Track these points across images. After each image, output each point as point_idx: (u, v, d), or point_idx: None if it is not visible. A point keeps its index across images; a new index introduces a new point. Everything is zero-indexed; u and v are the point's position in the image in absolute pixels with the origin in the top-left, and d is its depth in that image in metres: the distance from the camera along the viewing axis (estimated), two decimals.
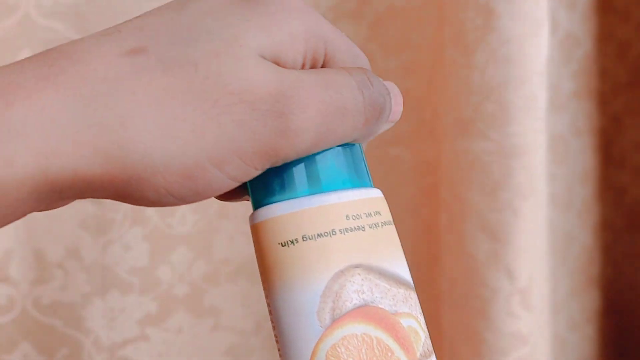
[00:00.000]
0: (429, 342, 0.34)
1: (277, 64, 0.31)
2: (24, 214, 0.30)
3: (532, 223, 0.64)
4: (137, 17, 0.32)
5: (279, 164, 0.32)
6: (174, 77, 0.30)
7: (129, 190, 0.30)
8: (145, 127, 0.29)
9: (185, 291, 0.68)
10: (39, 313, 0.64)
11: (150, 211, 0.66)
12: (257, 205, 0.34)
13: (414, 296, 0.34)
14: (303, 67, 0.33)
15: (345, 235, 0.32)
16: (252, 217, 0.33)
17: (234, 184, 0.31)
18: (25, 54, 0.59)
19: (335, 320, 0.32)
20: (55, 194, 0.29)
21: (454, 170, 0.66)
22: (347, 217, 0.33)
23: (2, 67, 0.29)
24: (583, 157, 0.82)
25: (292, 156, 0.32)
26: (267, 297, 0.33)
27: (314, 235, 0.32)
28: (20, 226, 0.63)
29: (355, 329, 0.32)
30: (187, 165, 0.30)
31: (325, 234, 0.32)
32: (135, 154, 0.29)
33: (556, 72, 0.78)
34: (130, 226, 0.65)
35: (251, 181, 0.33)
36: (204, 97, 0.30)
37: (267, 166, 0.32)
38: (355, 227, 0.33)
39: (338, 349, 0.32)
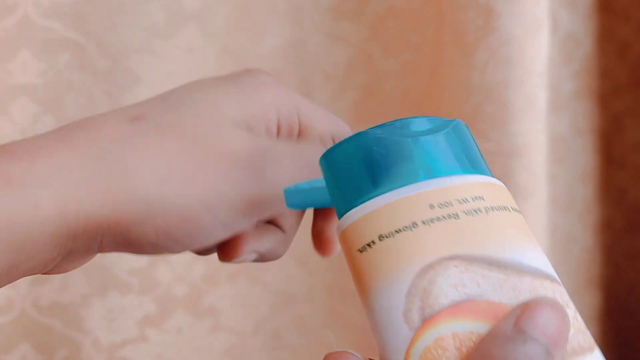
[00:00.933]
0: (584, 336, 0.28)
1: (252, 132, 0.37)
2: (41, 265, 0.34)
3: (532, 223, 0.64)
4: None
5: (266, 212, 0.37)
6: (168, 138, 0.35)
7: (133, 232, 0.34)
8: (146, 177, 0.34)
9: (184, 292, 0.68)
10: (38, 314, 0.64)
11: None
12: (339, 217, 0.31)
13: (552, 286, 0.28)
14: (279, 134, 0.39)
15: (431, 226, 0.28)
16: (336, 231, 0.33)
17: (227, 232, 0.36)
18: (24, 54, 0.59)
19: (427, 320, 0.27)
20: (70, 240, 0.33)
21: None
22: (432, 206, 0.28)
23: (31, 136, 0.35)
24: (583, 157, 0.82)
25: (272, 201, 0.37)
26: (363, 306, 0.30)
27: (391, 233, 0.28)
28: None
29: (455, 327, 0.27)
30: (182, 208, 0.35)
31: (405, 229, 0.28)
32: (137, 199, 0.34)
33: (556, 72, 0.78)
34: None
35: (331, 192, 0.32)
36: (193, 155, 0.35)
37: (256, 215, 0.37)
38: (444, 216, 0.28)
39: (433, 351, 0.27)
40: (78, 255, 0.35)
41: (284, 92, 0.39)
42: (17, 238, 0.32)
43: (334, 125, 0.41)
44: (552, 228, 0.78)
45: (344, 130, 0.41)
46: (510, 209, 0.30)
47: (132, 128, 0.35)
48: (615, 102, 0.84)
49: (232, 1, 0.63)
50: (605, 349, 0.86)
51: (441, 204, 0.28)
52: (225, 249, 0.39)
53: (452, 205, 0.29)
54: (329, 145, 0.41)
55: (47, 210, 0.32)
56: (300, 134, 0.40)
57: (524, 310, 0.26)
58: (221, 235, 0.36)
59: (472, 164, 0.31)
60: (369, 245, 0.29)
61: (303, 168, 0.37)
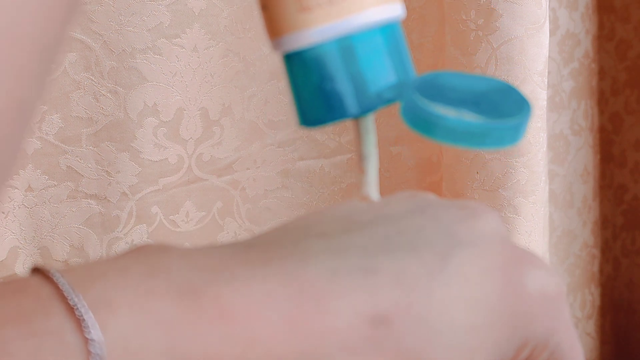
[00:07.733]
0: None
1: None
2: None
3: (532, 221, 0.65)
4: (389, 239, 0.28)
5: None
6: None
7: None
8: None
9: None
10: None
11: (154, 208, 0.67)
12: None
13: None
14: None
15: None
16: None
17: None
18: None
19: None
20: None
21: (456, 168, 0.67)
22: None
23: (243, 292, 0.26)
24: (583, 155, 0.83)
25: None
26: None
27: None
28: (26, 224, 0.63)
29: None
30: None
31: None
32: None
33: (556, 71, 0.78)
34: (135, 224, 0.66)
35: None
36: None
37: None
38: None
39: None
40: None
41: (560, 320, 0.29)
42: None
43: None
44: (552, 225, 0.79)
45: None
46: None
47: (369, 337, 0.26)
48: (615, 101, 0.84)
49: (236, 1, 0.64)
50: (605, 345, 0.87)
51: None
52: None
53: None
54: None
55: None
56: None
57: None
58: None
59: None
60: None
61: None
